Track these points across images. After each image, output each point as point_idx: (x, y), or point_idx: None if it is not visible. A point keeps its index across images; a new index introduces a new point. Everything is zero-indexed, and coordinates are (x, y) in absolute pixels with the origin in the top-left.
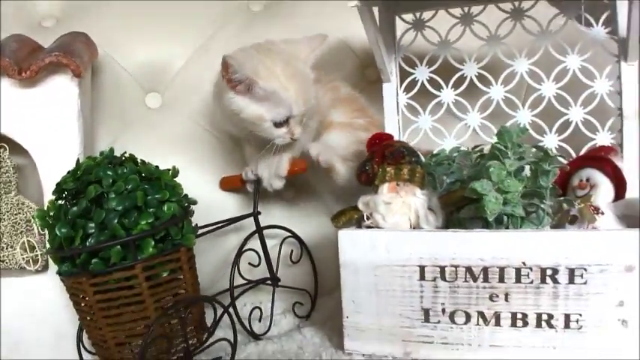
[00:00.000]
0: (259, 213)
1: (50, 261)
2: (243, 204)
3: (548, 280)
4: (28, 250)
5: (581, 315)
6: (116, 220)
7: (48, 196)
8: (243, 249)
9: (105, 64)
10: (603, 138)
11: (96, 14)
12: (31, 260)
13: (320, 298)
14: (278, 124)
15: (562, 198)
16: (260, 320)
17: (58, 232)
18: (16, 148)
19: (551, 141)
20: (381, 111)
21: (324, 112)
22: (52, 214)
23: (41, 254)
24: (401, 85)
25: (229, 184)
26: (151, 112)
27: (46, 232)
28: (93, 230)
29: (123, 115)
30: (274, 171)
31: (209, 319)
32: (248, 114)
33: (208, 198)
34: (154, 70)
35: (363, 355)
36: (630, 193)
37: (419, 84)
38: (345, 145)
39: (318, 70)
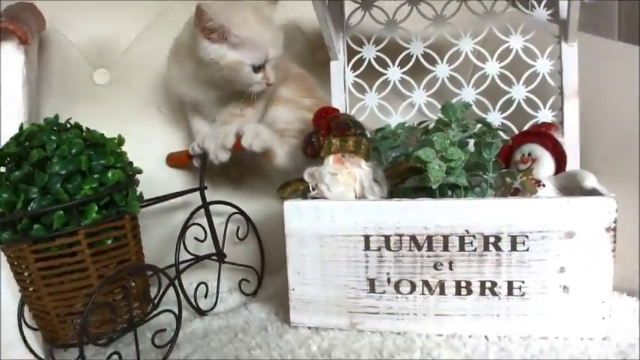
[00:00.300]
0: (206, 188)
1: None
2: (190, 181)
3: (491, 247)
4: None
5: (523, 282)
6: (59, 185)
7: None
8: (189, 223)
9: (53, 39)
10: (545, 115)
11: None
12: None
13: (267, 276)
14: (256, 69)
15: (505, 170)
16: (206, 297)
17: None
18: None
19: (494, 118)
20: (330, 91)
21: (273, 88)
22: None
23: None
24: (348, 64)
25: (176, 160)
26: (98, 89)
27: None
28: (35, 195)
29: (70, 90)
30: (220, 142)
31: (153, 293)
32: (227, 61)
33: (155, 174)
34: (102, 46)
35: (309, 327)
36: (571, 167)
37: (366, 62)
38: (288, 121)
39: None
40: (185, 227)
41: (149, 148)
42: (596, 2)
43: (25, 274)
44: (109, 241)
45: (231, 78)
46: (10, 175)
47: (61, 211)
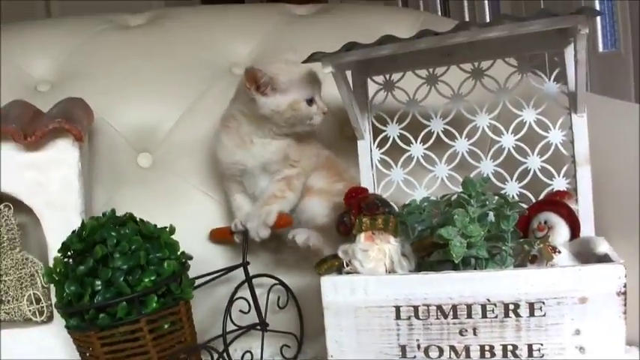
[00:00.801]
0: (248, 263)
1: (55, 311)
2: (232, 254)
3: (511, 314)
4: (34, 302)
5: (542, 344)
6: (122, 279)
7: (52, 252)
8: (234, 297)
9: (99, 127)
10: (559, 183)
11: (88, 79)
12: (37, 312)
13: (306, 341)
14: (309, 102)
15: (523, 240)
16: None
17: (67, 290)
18: (18, 207)
19: (512, 188)
20: (358, 166)
21: (308, 173)
22: (58, 270)
23: (47, 306)
24: (374, 142)
25: (219, 236)
26: (143, 171)
27: (52, 286)
28: (100, 287)
29: (117, 174)
30: (263, 220)
31: None
32: (286, 105)
33: (199, 250)
34: (144, 131)
35: None
36: (586, 231)
37: (390, 140)
38: (324, 214)
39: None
40: (231, 301)
41: (192, 225)
42: (612, 62)
43: (90, 355)
44: (167, 326)
45: (294, 119)
46: (77, 269)
47: (125, 302)
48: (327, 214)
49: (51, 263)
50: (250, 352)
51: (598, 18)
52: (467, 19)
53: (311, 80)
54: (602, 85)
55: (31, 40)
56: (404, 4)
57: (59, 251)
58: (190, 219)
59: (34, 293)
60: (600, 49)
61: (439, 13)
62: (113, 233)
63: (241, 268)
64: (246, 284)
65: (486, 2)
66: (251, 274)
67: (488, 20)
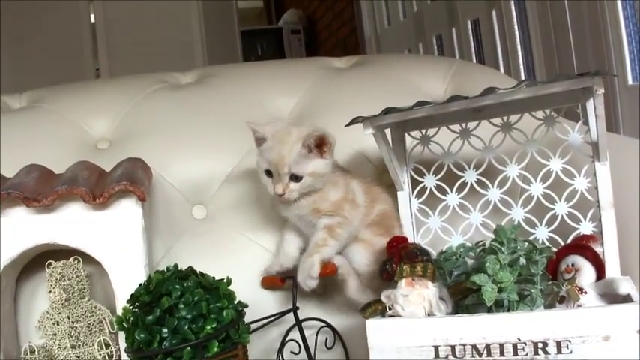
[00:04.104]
0: (298, 308)
1: (123, 355)
2: (281, 298)
3: (540, 352)
4: (104, 347)
5: None
6: (186, 326)
7: (119, 301)
8: (286, 340)
9: (155, 181)
10: (585, 227)
11: (144, 136)
12: (107, 355)
13: None
14: (267, 173)
15: (551, 282)
16: None
17: (137, 337)
18: (86, 259)
19: (542, 233)
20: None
21: (358, 228)
22: (128, 318)
23: (115, 350)
24: (413, 192)
25: (269, 283)
26: (197, 222)
27: (121, 333)
28: (167, 334)
29: (173, 225)
30: (307, 273)
31: None
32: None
33: (251, 295)
34: (198, 185)
35: None
36: (612, 272)
37: (428, 190)
38: (365, 263)
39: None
40: (283, 343)
41: (244, 272)
42: None
43: None
44: None
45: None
46: (146, 318)
47: (189, 348)
48: (366, 265)
49: (119, 311)
50: None
51: (626, 52)
52: (500, 62)
53: (275, 153)
54: (631, 117)
55: (90, 100)
56: (438, 45)
57: (128, 302)
58: (242, 266)
59: (104, 339)
60: (630, 81)
61: (474, 59)
62: (177, 286)
63: (292, 313)
64: (296, 327)
65: (518, 40)
66: (300, 318)
67: (520, 55)
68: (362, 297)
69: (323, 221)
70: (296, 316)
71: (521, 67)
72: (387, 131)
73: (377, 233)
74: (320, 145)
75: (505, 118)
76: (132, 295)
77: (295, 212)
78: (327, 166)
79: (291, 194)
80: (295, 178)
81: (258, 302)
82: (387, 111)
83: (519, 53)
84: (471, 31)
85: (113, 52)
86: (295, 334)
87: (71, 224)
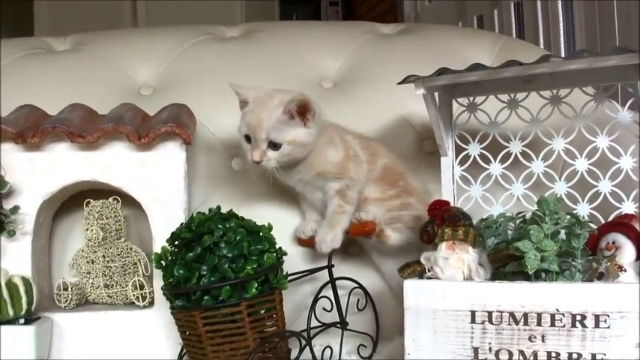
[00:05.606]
0: (333, 266)
1: (156, 298)
2: (314, 256)
3: (577, 324)
4: (138, 288)
5: (605, 354)
6: (227, 265)
7: (157, 243)
8: (319, 296)
9: (199, 130)
10: (628, 207)
11: (188, 85)
12: (140, 297)
13: (381, 342)
14: (247, 139)
15: (592, 257)
16: (330, 359)
17: (176, 273)
18: (125, 200)
19: (583, 209)
20: (438, 179)
21: (363, 182)
22: (166, 256)
23: (149, 292)
24: (456, 159)
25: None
26: (235, 174)
27: (158, 272)
28: (206, 272)
29: (213, 175)
30: (331, 247)
31: None
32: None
33: (288, 251)
34: (238, 138)
35: None
36: None
37: (471, 158)
38: (381, 214)
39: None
40: (316, 299)
41: (281, 226)
42: None
43: (190, 333)
44: (263, 311)
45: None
46: (186, 255)
47: (228, 286)
48: (383, 213)
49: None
50: (330, 348)
51: None
52: (541, 40)
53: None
54: None
55: (135, 46)
56: (479, 26)
57: (168, 240)
58: (280, 221)
59: (138, 280)
60: None
61: (514, 35)
62: (219, 225)
63: (326, 270)
64: (329, 285)
65: (561, 25)
66: (335, 277)
67: (562, 41)
68: (405, 242)
69: (331, 185)
70: (330, 274)
71: (562, 50)
72: (436, 95)
73: (384, 188)
74: (303, 112)
75: (555, 91)
76: (172, 233)
77: (297, 177)
78: (309, 136)
79: (269, 162)
80: (274, 145)
81: (292, 258)
82: (441, 72)
83: (561, 39)
84: (513, 13)
85: (152, 9)
86: (328, 292)
87: (113, 163)
